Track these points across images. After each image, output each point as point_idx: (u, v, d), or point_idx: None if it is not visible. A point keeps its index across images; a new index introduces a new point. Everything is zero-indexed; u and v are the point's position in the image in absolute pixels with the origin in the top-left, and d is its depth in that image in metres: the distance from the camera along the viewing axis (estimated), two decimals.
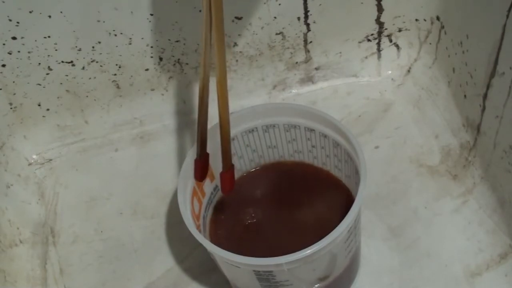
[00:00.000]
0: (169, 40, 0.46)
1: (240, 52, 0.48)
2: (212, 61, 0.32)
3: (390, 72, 0.52)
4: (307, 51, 0.50)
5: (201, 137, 0.36)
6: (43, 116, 0.49)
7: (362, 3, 0.47)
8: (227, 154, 0.36)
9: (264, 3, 0.45)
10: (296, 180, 0.42)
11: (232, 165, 0.36)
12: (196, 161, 0.36)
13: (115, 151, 0.50)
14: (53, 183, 0.49)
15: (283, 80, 0.51)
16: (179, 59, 0.47)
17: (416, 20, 0.48)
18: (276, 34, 0.47)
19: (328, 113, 0.37)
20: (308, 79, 0.52)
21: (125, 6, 0.42)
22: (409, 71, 0.51)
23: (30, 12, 0.41)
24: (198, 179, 0.37)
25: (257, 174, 0.42)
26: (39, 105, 0.48)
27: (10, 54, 0.43)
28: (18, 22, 0.41)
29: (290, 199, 0.40)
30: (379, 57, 0.51)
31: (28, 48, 0.43)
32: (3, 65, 0.44)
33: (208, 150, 0.37)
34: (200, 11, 0.44)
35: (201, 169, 0.37)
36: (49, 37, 0.43)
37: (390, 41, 0.50)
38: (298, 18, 0.47)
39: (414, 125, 0.48)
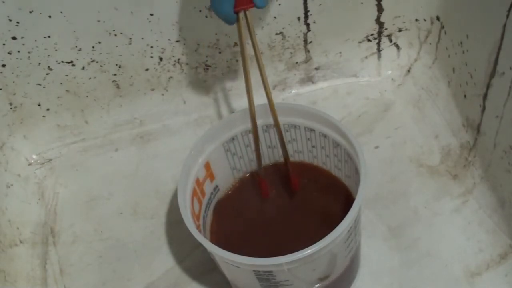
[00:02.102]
0: (169, 40, 0.46)
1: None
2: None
3: (390, 72, 0.52)
4: (307, 51, 0.50)
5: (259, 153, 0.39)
6: (43, 116, 0.49)
7: (362, 3, 0.47)
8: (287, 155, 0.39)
9: None
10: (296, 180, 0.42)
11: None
12: (261, 180, 0.39)
13: (115, 151, 0.50)
14: (53, 183, 0.49)
15: (283, 80, 0.51)
16: (179, 59, 0.47)
17: (416, 20, 0.48)
18: (276, 34, 0.47)
19: (328, 113, 0.37)
20: (308, 79, 0.52)
21: (125, 6, 0.42)
22: (409, 71, 0.51)
23: (30, 12, 0.41)
24: (268, 196, 0.40)
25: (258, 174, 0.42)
26: (39, 105, 0.48)
27: (10, 54, 0.43)
28: (18, 22, 0.41)
29: (290, 199, 0.40)
30: (379, 57, 0.51)
31: (28, 48, 0.43)
32: (3, 65, 0.44)
33: (206, 153, 0.38)
34: (200, 11, 0.44)
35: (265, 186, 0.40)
36: (49, 37, 0.43)
37: (390, 41, 0.50)
38: (298, 18, 0.47)
39: (414, 125, 0.48)
